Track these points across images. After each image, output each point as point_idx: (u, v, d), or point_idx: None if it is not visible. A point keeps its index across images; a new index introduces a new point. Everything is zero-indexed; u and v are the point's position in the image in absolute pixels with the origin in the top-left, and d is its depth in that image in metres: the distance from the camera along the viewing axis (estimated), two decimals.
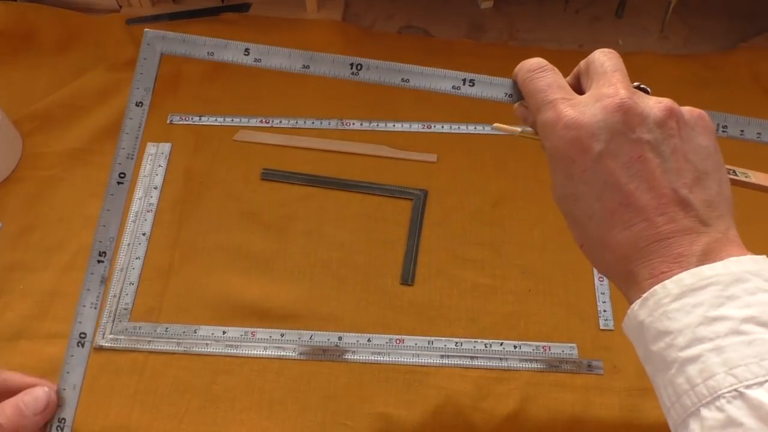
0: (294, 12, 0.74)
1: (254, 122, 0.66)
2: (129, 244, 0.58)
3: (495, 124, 0.36)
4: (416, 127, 0.66)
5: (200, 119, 0.66)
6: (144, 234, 0.58)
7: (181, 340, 0.53)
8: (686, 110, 0.32)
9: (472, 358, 0.52)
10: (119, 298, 0.55)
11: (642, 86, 0.34)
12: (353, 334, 0.53)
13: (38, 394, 0.40)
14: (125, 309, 0.54)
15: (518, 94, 0.37)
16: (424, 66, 0.71)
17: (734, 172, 0.36)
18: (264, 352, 0.52)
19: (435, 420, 0.49)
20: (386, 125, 0.66)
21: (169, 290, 0.55)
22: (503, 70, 0.70)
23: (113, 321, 0.53)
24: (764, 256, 0.29)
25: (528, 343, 0.53)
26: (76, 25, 0.71)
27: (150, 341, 0.53)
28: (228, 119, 0.66)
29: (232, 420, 0.49)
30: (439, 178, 0.62)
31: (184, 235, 0.59)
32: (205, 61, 0.69)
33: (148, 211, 0.60)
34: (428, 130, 0.66)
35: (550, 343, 0.53)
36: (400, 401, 0.50)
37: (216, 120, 0.66)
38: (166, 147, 0.64)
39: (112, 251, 0.40)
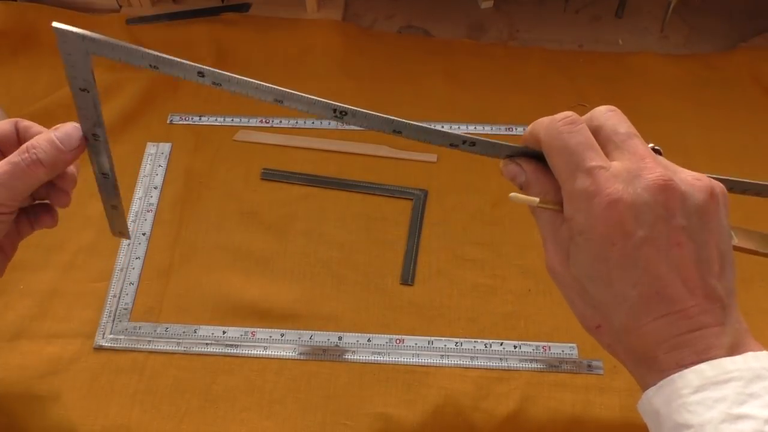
0: (294, 12, 0.74)
1: (254, 122, 0.66)
2: (129, 244, 0.58)
3: (512, 195, 0.33)
4: None
5: (200, 119, 0.66)
6: (144, 234, 0.58)
7: (181, 340, 0.53)
8: (719, 190, 0.30)
9: (472, 358, 0.52)
10: (119, 298, 0.55)
11: (656, 147, 0.32)
12: (353, 334, 0.53)
13: (69, 130, 0.39)
14: (125, 309, 0.54)
15: (517, 152, 0.34)
16: (427, 64, 0.71)
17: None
18: (264, 352, 0.52)
19: (435, 420, 0.49)
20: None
21: (169, 290, 0.55)
22: (503, 70, 0.71)
23: (113, 321, 0.53)
24: None
25: (528, 343, 0.53)
26: (76, 25, 0.71)
27: (150, 341, 0.53)
28: (228, 119, 0.66)
29: (232, 420, 0.49)
30: (439, 178, 0.62)
31: (184, 235, 0.59)
32: (205, 61, 0.70)
33: (148, 211, 0.60)
34: None
35: (550, 343, 0.53)
36: (400, 401, 0.50)
37: (216, 120, 0.66)
38: (166, 147, 0.64)
39: None
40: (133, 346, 0.52)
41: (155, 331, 0.53)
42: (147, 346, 0.52)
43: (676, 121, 0.67)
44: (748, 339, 0.29)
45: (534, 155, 0.34)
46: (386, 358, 0.52)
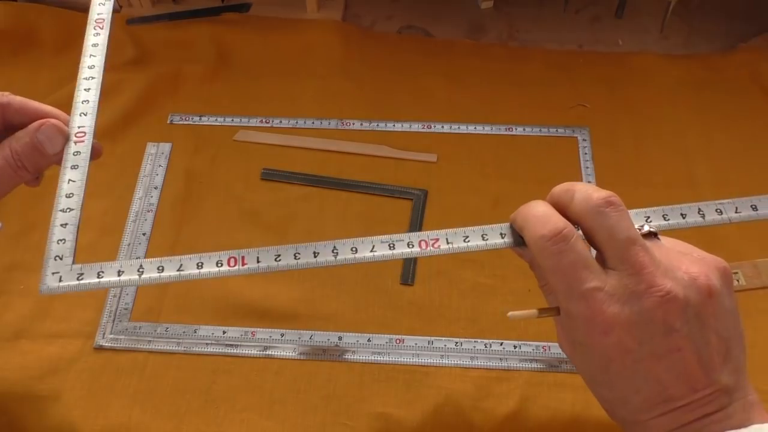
0: (294, 12, 0.74)
1: (254, 122, 0.66)
2: (129, 244, 0.58)
3: (510, 314, 0.33)
4: (416, 127, 0.66)
5: (200, 119, 0.66)
6: (144, 234, 0.58)
7: (181, 340, 0.53)
8: (718, 275, 0.29)
9: (472, 358, 0.52)
10: (119, 298, 0.55)
11: (651, 231, 0.31)
12: (353, 334, 0.53)
13: (52, 133, 0.38)
14: (125, 309, 0.54)
15: (516, 237, 0.33)
16: (427, 64, 0.71)
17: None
18: (264, 352, 0.52)
19: (435, 420, 0.49)
20: (386, 125, 0.66)
21: (169, 290, 0.55)
22: (503, 70, 0.71)
23: (113, 321, 0.53)
24: None
25: (528, 342, 0.53)
26: (76, 25, 0.71)
27: (150, 341, 0.53)
28: (228, 119, 0.66)
29: (232, 420, 0.49)
30: (439, 178, 0.62)
31: (184, 235, 0.59)
32: (205, 61, 0.70)
33: (148, 211, 0.60)
34: (428, 130, 0.66)
35: (550, 343, 0.53)
36: (400, 401, 0.50)
37: (216, 120, 0.66)
38: (166, 147, 0.64)
39: None
40: (133, 346, 0.52)
41: (155, 331, 0.53)
42: (147, 346, 0.52)
43: (675, 121, 0.67)
44: (756, 412, 0.29)
45: None
46: (386, 358, 0.52)
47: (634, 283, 0.28)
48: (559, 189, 0.32)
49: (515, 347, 0.53)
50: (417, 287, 0.56)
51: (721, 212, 0.35)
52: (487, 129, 0.66)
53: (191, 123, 0.66)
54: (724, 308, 0.30)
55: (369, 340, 0.53)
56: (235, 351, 0.52)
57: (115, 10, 0.74)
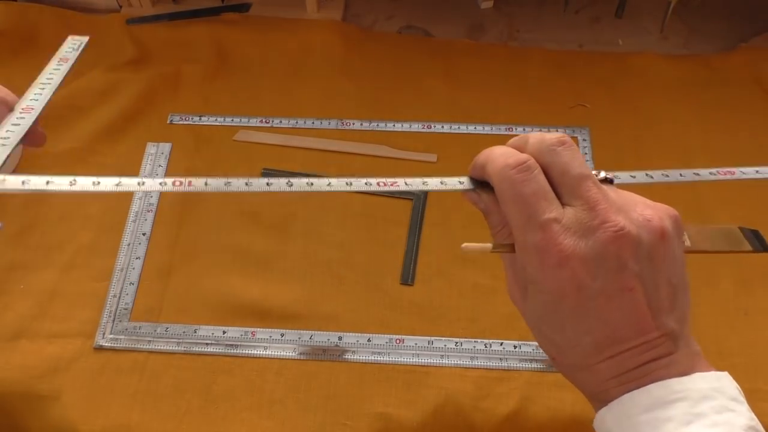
0: (294, 12, 0.74)
1: (254, 122, 0.66)
2: (129, 244, 0.58)
3: (464, 245, 0.32)
4: (416, 127, 0.66)
5: (200, 119, 0.66)
6: (144, 234, 0.58)
7: (181, 340, 0.53)
8: (669, 224, 0.30)
9: (472, 358, 0.52)
10: (119, 298, 0.55)
11: (608, 177, 0.32)
12: (353, 334, 0.53)
13: None
14: (125, 309, 0.54)
15: (474, 182, 0.33)
16: (427, 64, 0.71)
17: None
18: (264, 352, 0.52)
19: (435, 420, 0.49)
20: (386, 125, 0.66)
21: (169, 290, 0.55)
22: (503, 70, 0.71)
23: (113, 321, 0.53)
24: (726, 373, 0.29)
25: (528, 343, 0.53)
26: (76, 25, 0.71)
27: (150, 341, 0.53)
28: (228, 119, 0.66)
29: (232, 420, 0.49)
30: None
31: (184, 235, 0.59)
32: (205, 61, 0.70)
33: (148, 211, 0.60)
34: (428, 130, 0.66)
35: None
36: (400, 401, 0.50)
37: (216, 120, 0.66)
38: (166, 147, 0.64)
39: None
40: (133, 346, 0.52)
41: (155, 331, 0.53)
42: (147, 346, 0.52)
43: (675, 121, 0.67)
44: (698, 362, 0.30)
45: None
46: (386, 358, 0.52)
47: (588, 218, 0.29)
48: (515, 138, 0.33)
49: (515, 347, 0.53)
50: (417, 287, 0.56)
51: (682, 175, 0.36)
52: (487, 129, 0.66)
53: (191, 123, 0.66)
54: (674, 254, 0.30)
55: (369, 340, 0.53)
56: (235, 351, 0.52)
57: (116, 10, 0.74)
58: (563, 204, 0.30)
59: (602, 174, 0.32)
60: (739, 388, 0.29)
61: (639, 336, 0.29)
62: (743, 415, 0.28)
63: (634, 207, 0.30)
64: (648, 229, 0.29)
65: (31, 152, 0.63)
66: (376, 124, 0.66)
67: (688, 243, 0.33)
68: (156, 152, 0.63)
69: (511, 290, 0.33)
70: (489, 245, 0.32)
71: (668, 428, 0.27)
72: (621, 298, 0.29)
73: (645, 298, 0.29)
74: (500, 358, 0.52)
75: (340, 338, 0.53)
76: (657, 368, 0.29)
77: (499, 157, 0.31)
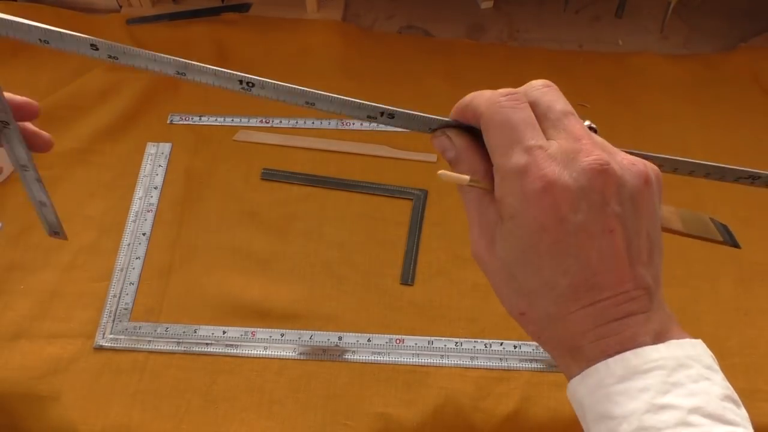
0: (294, 12, 0.74)
1: (254, 122, 0.66)
2: (129, 244, 0.58)
3: (441, 172, 0.31)
4: None
5: (200, 119, 0.66)
6: (144, 234, 0.58)
7: (181, 340, 0.53)
8: (653, 175, 0.30)
9: (472, 358, 0.52)
10: (119, 298, 0.55)
11: (592, 126, 0.31)
12: (353, 334, 0.53)
13: None
14: (125, 309, 0.54)
15: (448, 125, 0.33)
16: (427, 64, 0.71)
17: None
18: (264, 352, 0.52)
19: (435, 420, 0.49)
20: (386, 125, 0.66)
21: (169, 290, 0.55)
22: (503, 70, 0.71)
23: (113, 321, 0.53)
24: (700, 340, 0.29)
25: (528, 343, 0.53)
26: (76, 25, 0.71)
27: (150, 341, 0.53)
28: (228, 119, 0.66)
29: (232, 420, 0.49)
30: (438, 178, 0.62)
31: (184, 235, 0.59)
32: (205, 61, 0.69)
33: (148, 211, 0.60)
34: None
35: None
36: (400, 401, 0.50)
37: (216, 120, 0.66)
38: (166, 147, 0.64)
39: None
40: (133, 346, 0.52)
41: (155, 331, 0.53)
42: (147, 346, 0.52)
43: (675, 121, 0.67)
44: (673, 326, 0.29)
45: (465, 129, 0.32)
46: (386, 358, 0.52)
47: (573, 149, 0.28)
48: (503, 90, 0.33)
49: (515, 347, 0.53)
50: (417, 287, 0.56)
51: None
52: None
53: (191, 123, 0.66)
54: (654, 206, 0.29)
55: (369, 340, 0.53)
56: (235, 351, 0.52)
57: (116, 10, 0.74)
58: (548, 138, 0.29)
59: (587, 122, 0.31)
60: (714, 356, 0.28)
61: (617, 284, 0.28)
62: (719, 384, 0.27)
63: (617, 152, 0.30)
64: (632, 173, 0.29)
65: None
66: (376, 124, 0.66)
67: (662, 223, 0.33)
68: (156, 152, 0.63)
69: (475, 247, 0.31)
70: (467, 177, 0.31)
71: (644, 398, 0.26)
72: (601, 239, 0.28)
73: (625, 242, 0.28)
74: (500, 358, 0.52)
75: (340, 338, 0.53)
76: (634, 324, 0.28)
77: (488, 91, 0.31)
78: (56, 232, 0.45)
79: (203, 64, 0.31)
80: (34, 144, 0.40)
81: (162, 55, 0.31)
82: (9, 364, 0.51)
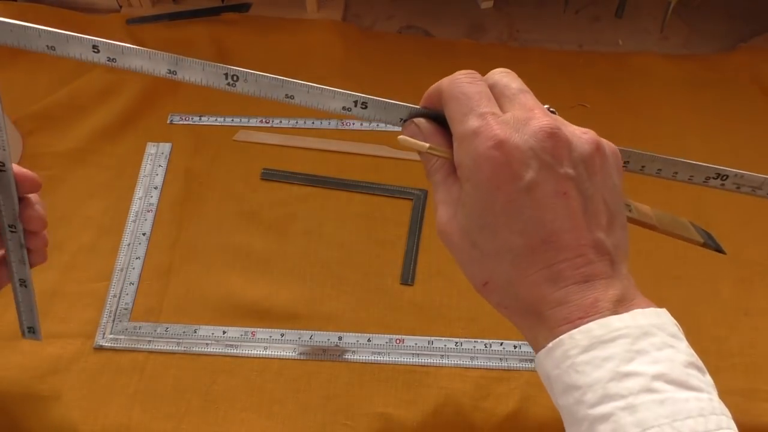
0: (294, 12, 0.74)
1: (254, 122, 0.66)
2: (129, 244, 0.58)
3: (400, 137, 0.33)
4: None
5: (200, 119, 0.66)
6: (144, 234, 0.58)
7: (181, 340, 0.53)
8: (606, 145, 0.31)
9: (472, 358, 0.52)
10: (119, 298, 0.55)
11: (551, 109, 0.32)
12: (353, 334, 0.53)
13: None
14: (125, 309, 0.54)
15: (416, 113, 0.36)
16: (427, 64, 0.71)
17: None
18: (264, 352, 0.52)
19: (435, 420, 0.49)
20: (386, 125, 0.66)
21: (169, 290, 0.55)
22: None
23: (113, 321, 0.53)
24: (664, 309, 0.29)
25: (528, 342, 0.53)
26: (76, 25, 0.71)
27: (150, 341, 0.53)
28: (228, 119, 0.66)
29: (232, 420, 0.49)
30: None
31: (184, 235, 0.59)
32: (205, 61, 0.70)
33: (148, 211, 0.60)
34: None
35: None
36: (400, 401, 0.50)
37: (216, 120, 0.66)
38: (166, 147, 0.64)
39: None
40: (133, 346, 0.52)
41: (155, 331, 0.53)
42: (147, 346, 0.52)
43: (675, 121, 0.67)
44: (636, 294, 0.29)
45: (432, 117, 0.35)
46: (386, 358, 0.52)
47: (525, 117, 0.29)
48: None
49: (515, 347, 0.53)
50: (417, 287, 0.56)
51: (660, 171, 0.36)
52: None
53: (191, 123, 0.66)
54: (609, 172, 0.30)
55: (369, 340, 0.53)
56: (235, 351, 0.52)
57: (116, 10, 0.74)
58: (503, 111, 0.31)
59: (546, 106, 0.32)
60: (678, 325, 0.28)
61: (574, 247, 0.28)
62: (683, 351, 0.27)
63: (568, 124, 0.31)
64: (582, 140, 0.30)
65: (32, 152, 0.63)
66: (376, 124, 0.66)
67: (634, 214, 0.33)
68: (156, 152, 0.63)
69: (440, 222, 0.32)
70: (426, 144, 0.33)
71: (609, 366, 0.26)
72: (555, 199, 0.28)
73: (581, 207, 0.28)
74: (500, 358, 0.52)
75: (340, 338, 0.53)
76: (594, 289, 0.28)
77: (453, 75, 0.33)
78: (31, 328, 0.43)
79: (192, 59, 0.32)
80: (23, 187, 0.39)
81: (156, 52, 0.32)
82: (9, 364, 0.51)
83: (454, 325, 0.54)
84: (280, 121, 0.66)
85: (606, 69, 0.71)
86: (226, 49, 0.71)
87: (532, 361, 0.52)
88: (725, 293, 0.56)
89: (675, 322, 0.28)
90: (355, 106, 0.36)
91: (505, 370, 0.52)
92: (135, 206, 0.60)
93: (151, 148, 0.64)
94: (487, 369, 0.52)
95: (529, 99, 0.31)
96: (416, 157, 0.68)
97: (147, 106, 0.67)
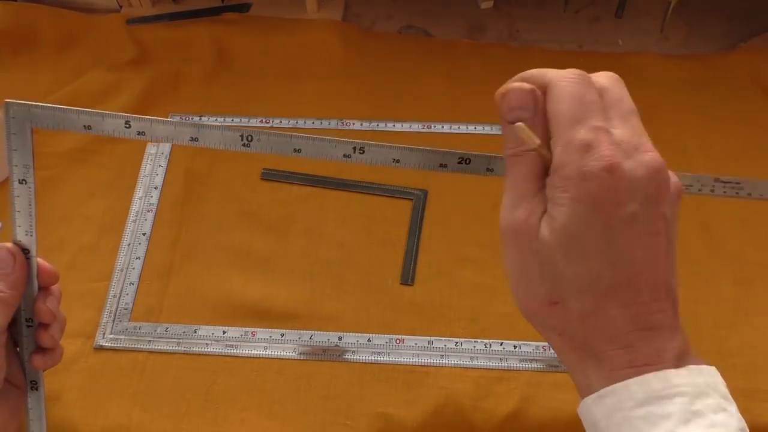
0: (294, 12, 0.74)
1: (254, 122, 0.66)
2: (129, 244, 0.58)
3: (519, 124, 0.30)
4: (416, 127, 0.66)
5: (200, 119, 0.66)
6: (144, 234, 0.58)
7: (181, 340, 0.53)
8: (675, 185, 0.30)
9: (472, 358, 0.52)
10: (119, 298, 0.55)
11: None
12: (353, 334, 0.53)
13: (2, 255, 0.35)
14: (125, 309, 0.54)
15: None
16: (427, 64, 0.71)
17: None
18: (264, 352, 0.52)
19: (435, 420, 0.49)
20: (386, 125, 0.66)
21: (169, 290, 0.55)
22: (503, 70, 0.70)
23: (113, 321, 0.53)
24: (714, 368, 0.28)
25: (528, 342, 0.53)
26: (76, 25, 0.71)
27: (150, 341, 0.53)
28: (228, 119, 0.66)
29: (232, 420, 0.49)
30: (439, 178, 0.62)
31: (184, 235, 0.59)
32: (205, 61, 0.70)
33: (148, 211, 0.60)
34: (428, 130, 0.66)
35: None
36: (400, 401, 0.50)
37: (216, 120, 0.66)
38: (166, 147, 0.64)
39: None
40: (133, 346, 0.52)
41: (155, 331, 0.53)
42: (147, 346, 0.52)
43: (675, 121, 0.67)
44: (689, 348, 0.28)
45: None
46: (386, 358, 0.52)
47: (636, 143, 0.28)
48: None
49: (515, 347, 0.53)
50: (417, 287, 0.56)
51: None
52: (487, 129, 0.66)
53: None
54: (677, 219, 0.29)
55: (369, 340, 0.53)
56: (235, 351, 0.52)
57: (116, 10, 0.74)
58: (611, 127, 0.29)
59: None
60: (726, 384, 0.28)
61: (654, 289, 0.27)
62: (735, 416, 0.27)
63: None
64: (673, 183, 0.29)
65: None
66: (376, 124, 0.66)
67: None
68: (156, 152, 0.64)
69: (509, 215, 0.29)
70: (539, 141, 0.29)
71: (666, 426, 0.25)
72: (649, 238, 0.27)
73: (665, 248, 0.28)
74: (500, 358, 0.52)
75: (340, 338, 0.53)
76: (662, 338, 0.27)
77: (560, 70, 0.30)
78: None
79: (212, 125, 0.34)
80: (42, 280, 0.39)
81: (180, 121, 0.34)
82: None
83: (454, 325, 0.54)
84: (280, 121, 0.66)
85: (606, 69, 0.70)
86: (226, 49, 0.71)
87: (532, 361, 0.52)
88: (725, 293, 0.56)
89: (723, 381, 0.28)
90: (354, 152, 0.38)
91: (505, 370, 0.52)
92: (135, 206, 0.60)
93: (151, 148, 0.64)
94: (487, 369, 0.52)
95: (639, 123, 0.29)
96: None
97: (147, 106, 0.66)
